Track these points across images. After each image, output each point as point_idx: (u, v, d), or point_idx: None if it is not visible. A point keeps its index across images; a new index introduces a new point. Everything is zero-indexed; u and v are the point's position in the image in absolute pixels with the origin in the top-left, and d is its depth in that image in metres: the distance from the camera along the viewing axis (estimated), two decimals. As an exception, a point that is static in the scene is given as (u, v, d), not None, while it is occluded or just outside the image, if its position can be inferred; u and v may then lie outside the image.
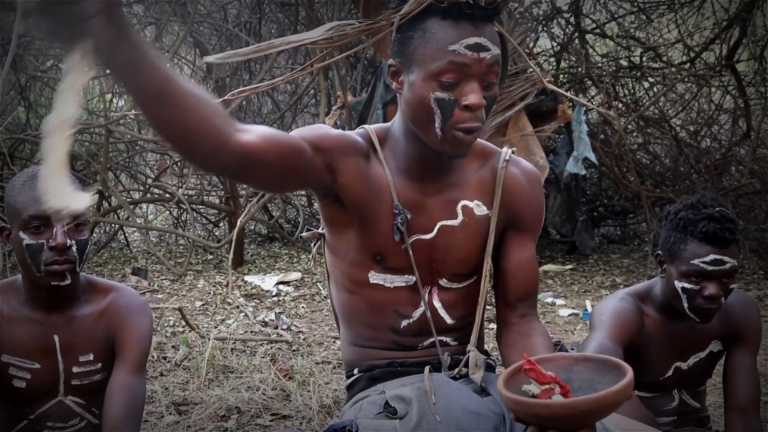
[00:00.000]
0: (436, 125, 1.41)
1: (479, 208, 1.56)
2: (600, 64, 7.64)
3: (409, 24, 1.42)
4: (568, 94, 1.94)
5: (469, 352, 1.58)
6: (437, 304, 1.58)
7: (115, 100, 8.11)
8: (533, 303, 1.63)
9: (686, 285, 1.93)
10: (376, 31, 1.49)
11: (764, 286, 5.68)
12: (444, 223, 1.54)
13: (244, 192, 7.21)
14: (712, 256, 1.90)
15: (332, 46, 1.45)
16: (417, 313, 1.56)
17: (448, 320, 1.59)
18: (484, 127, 1.48)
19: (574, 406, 1.12)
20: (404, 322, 1.57)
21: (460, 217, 1.55)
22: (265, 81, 6.88)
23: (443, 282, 1.57)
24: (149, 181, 7.72)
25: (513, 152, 1.62)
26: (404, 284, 1.55)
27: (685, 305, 1.95)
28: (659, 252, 2.03)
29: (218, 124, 1.22)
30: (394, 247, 1.52)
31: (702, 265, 1.90)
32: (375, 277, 1.55)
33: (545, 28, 7.39)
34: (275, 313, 4.74)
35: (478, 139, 1.55)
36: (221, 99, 1.48)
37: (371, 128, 1.57)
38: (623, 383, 1.13)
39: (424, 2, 1.38)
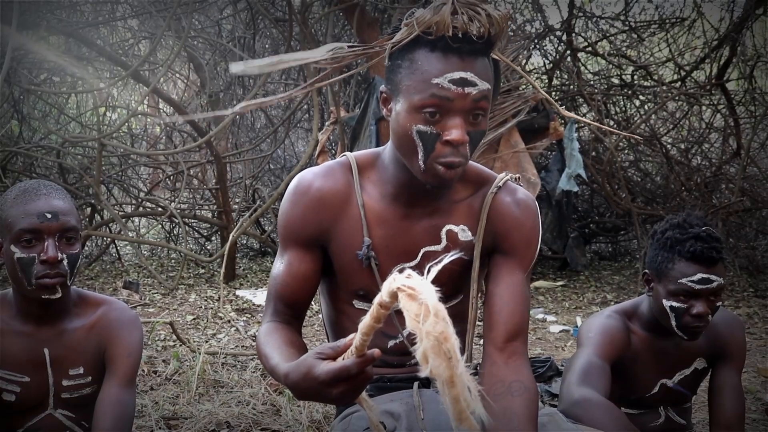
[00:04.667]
0: (419, 157, 1.39)
1: (464, 233, 1.54)
2: (592, 82, 7.71)
3: (399, 53, 1.39)
4: (561, 109, 1.94)
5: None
6: None
7: (108, 114, 8.12)
8: (524, 340, 1.52)
9: (674, 304, 1.95)
10: (372, 55, 1.48)
11: (754, 303, 5.71)
12: (427, 248, 1.53)
13: (236, 206, 7.22)
14: (699, 275, 1.92)
15: (333, 66, 1.45)
16: (404, 333, 1.56)
17: None
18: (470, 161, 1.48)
19: None
20: (390, 342, 1.58)
21: (444, 242, 1.53)
22: (258, 96, 6.89)
23: None
24: (142, 194, 7.73)
25: (516, 180, 1.59)
26: None
27: (674, 323, 1.97)
28: (646, 271, 2.05)
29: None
30: (375, 285, 1.51)
31: (690, 284, 1.93)
32: (360, 305, 1.56)
33: (537, 46, 7.45)
34: (266, 327, 4.73)
35: (476, 165, 1.56)
36: (232, 112, 1.49)
37: (353, 157, 1.57)
38: None
39: (412, 33, 1.36)
